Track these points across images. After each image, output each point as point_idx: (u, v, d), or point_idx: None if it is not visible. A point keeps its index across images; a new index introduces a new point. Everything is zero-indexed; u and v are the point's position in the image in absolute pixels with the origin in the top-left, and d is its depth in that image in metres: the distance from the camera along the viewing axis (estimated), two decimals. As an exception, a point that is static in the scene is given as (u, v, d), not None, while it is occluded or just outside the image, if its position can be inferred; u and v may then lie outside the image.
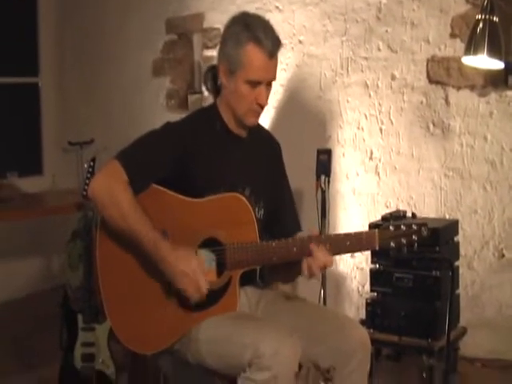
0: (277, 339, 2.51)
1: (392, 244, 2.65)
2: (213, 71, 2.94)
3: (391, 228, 2.66)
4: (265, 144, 3.06)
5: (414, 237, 2.64)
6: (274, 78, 2.82)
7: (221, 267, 2.74)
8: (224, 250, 2.72)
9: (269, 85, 2.81)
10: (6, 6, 6.18)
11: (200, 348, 2.67)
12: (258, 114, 2.86)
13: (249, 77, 2.74)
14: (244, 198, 2.75)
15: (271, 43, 2.73)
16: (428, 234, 2.64)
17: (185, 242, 2.71)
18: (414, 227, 2.64)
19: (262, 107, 2.82)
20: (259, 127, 3.05)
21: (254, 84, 2.76)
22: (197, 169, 2.78)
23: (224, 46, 2.81)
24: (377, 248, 2.67)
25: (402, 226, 2.65)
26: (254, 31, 2.71)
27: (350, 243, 2.68)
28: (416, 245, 2.64)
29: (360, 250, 2.81)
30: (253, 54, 2.72)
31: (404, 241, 2.64)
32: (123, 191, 2.64)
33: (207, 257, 2.75)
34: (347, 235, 2.70)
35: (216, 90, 2.94)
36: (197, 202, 2.75)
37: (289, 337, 2.56)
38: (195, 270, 2.62)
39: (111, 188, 2.65)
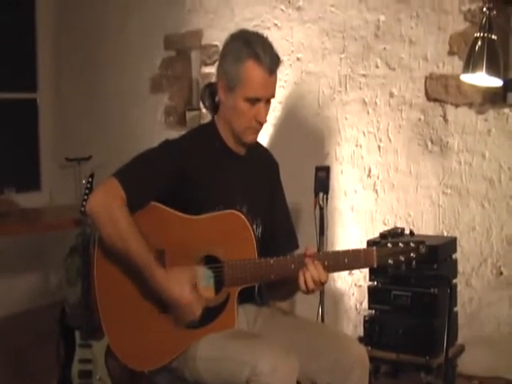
0: (274, 357, 2.50)
1: (390, 261, 2.64)
2: (210, 88, 2.94)
3: (389, 245, 2.65)
4: (263, 162, 3.05)
5: (412, 254, 2.63)
6: (273, 95, 2.82)
7: (219, 284, 2.73)
8: (222, 267, 2.71)
9: (268, 102, 2.81)
10: (4, 21, 6.19)
11: (198, 365, 2.66)
12: (256, 132, 2.85)
13: (248, 94, 2.74)
14: (242, 215, 2.75)
15: (270, 60, 2.73)
16: (426, 251, 2.64)
17: (183, 259, 2.71)
18: (412, 245, 2.64)
19: (261, 124, 2.82)
20: (258, 145, 3.05)
21: (253, 101, 2.75)
22: (195, 186, 2.78)
23: (223, 63, 2.80)
24: (375, 265, 2.66)
25: (400, 244, 2.64)
26: (253, 48, 2.71)
27: (348, 260, 2.67)
28: (414, 262, 2.63)
29: (358, 267, 2.80)
30: (252, 71, 2.72)
31: (402, 258, 2.63)
32: (121, 210, 2.64)
33: (205, 274, 2.75)
34: (345, 252, 2.69)
35: (214, 108, 2.93)
36: (195, 219, 2.74)
37: (286, 354, 2.55)
38: (188, 298, 2.62)
39: (109, 206, 2.65)
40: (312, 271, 2.63)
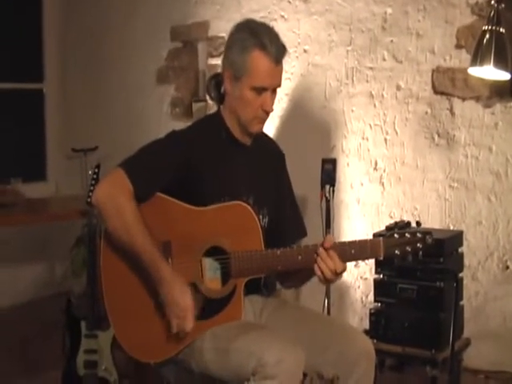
0: (281, 348, 2.51)
1: (397, 252, 2.63)
2: (216, 79, 2.94)
3: (396, 236, 2.65)
4: (269, 153, 3.05)
5: (418, 245, 2.62)
6: (279, 85, 2.82)
7: (225, 276, 2.73)
8: (228, 259, 2.71)
9: (274, 91, 2.81)
10: (11, 12, 6.19)
11: (204, 357, 2.67)
12: (263, 121, 2.85)
13: (254, 83, 2.74)
14: (248, 206, 2.75)
15: (277, 49, 2.73)
16: (432, 242, 2.64)
17: (189, 250, 2.71)
18: (419, 235, 2.63)
19: (267, 114, 2.82)
20: (264, 136, 3.05)
21: (260, 90, 2.75)
22: (201, 177, 2.78)
23: (229, 53, 2.81)
24: (382, 256, 2.65)
25: (407, 234, 2.64)
26: (259, 37, 2.72)
27: (355, 251, 2.66)
28: (421, 253, 2.63)
29: (365, 258, 2.81)
30: (258, 60, 2.72)
31: (409, 249, 2.62)
32: (127, 200, 2.64)
33: (212, 265, 2.75)
34: (352, 243, 2.68)
35: (220, 98, 2.93)
36: (201, 210, 2.74)
37: (293, 345, 2.55)
38: (187, 305, 2.62)
39: (115, 197, 2.65)
40: (326, 261, 2.62)
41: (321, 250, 2.63)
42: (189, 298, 2.62)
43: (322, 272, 2.63)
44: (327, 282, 2.68)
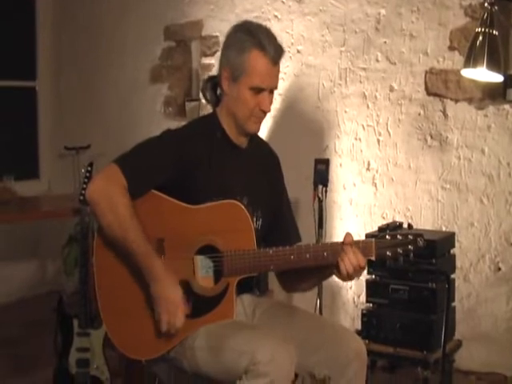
0: (273, 346, 2.51)
1: (388, 253, 2.65)
2: (212, 81, 2.94)
3: (388, 237, 2.66)
4: (264, 156, 3.05)
5: (410, 247, 2.64)
6: (276, 86, 2.83)
7: (218, 274, 2.74)
8: (221, 257, 2.71)
9: (271, 92, 2.82)
10: (4, 9, 6.19)
11: (196, 356, 2.67)
12: (259, 121, 2.86)
13: (252, 83, 2.75)
14: (242, 205, 2.75)
15: (275, 50, 2.75)
16: (424, 244, 2.66)
17: (182, 248, 2.71)
18: (410, 237, 2.66)
19: (264, 113, 2.83)
20: (259, 139, 3.05)
21: (258, 90, 2.76)
22: (195, 176, 2.77)
23: (227, 53, 2.81)
24: (373, 257, 2.67)
25: (399, 236, 2.66)
26: (258, 38, 2.73)
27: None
28: (412, 255, 2.65)
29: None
30: (257, 61, 2.73)
31: (400, 250, 2.64)
32: (121, 196, 2.64)
33: (204, 264, 2.75)
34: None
35: (215, 101, 2.93)
36: (194, 208, 2.74)
37: (285, 344, 2.55)
38: (178, 301, 2.62)
39: (109, 192, 2.64)
40: (351, 257, 2.63)
41: (345, 246, 2.64)
42: (179, 295, 2.62)
43: (346, 266, 2.63)
44: (349, 277, 2.68)
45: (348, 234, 2.70)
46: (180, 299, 2.62)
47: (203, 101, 5.34)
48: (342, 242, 2.67)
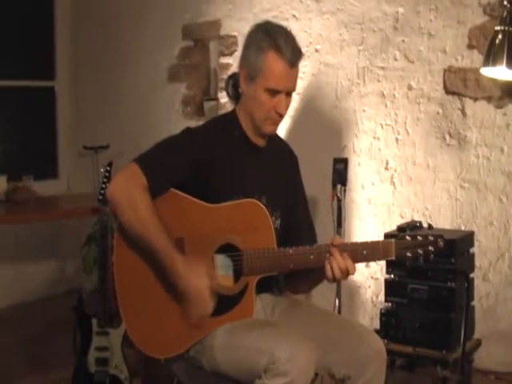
0: (292, 345, 2.51)
1: (408, 254, 2.64)
2: (234, 78, 2.94)
3: (408, 238, 2.66)
4: (283, 155, 3.05)
5: (430, 248, 2.63)
6: (293, 88, 2.82)
7: (237, 273, 2.74)
8: (241, 256, 2.71)
9: (289, 94, 2.80)
10: (23, 10, 6.22)
11: (215, 354, 2.67)
12: (276, 123, 2.85)
13: (268, 85, 2.74)
14: (261, 204, 2.75)
15: (292, 52, 2.73)
16: (444, 245, 2.64)
17: (201, 247, 2.71)
18: (431, 238, 2.64)
19: (280, 116, 2.81)
20: (278, 138, 3.05)
21: (274, 92, 2.75)
22: (214, 175, 2.78)
23: (245, 52, 2.81)
24: (394, 257, 2.66)
25: (419, 237, 2.65)
26: (275, 39, 2.72)
27: (367, 252, 2.67)
28: (432, 256, 2.64)
29: (376, 259, 2.80)
30: (273, 62, 2.72)
31: (420, 251, 2.63)
32: (141, 195, 2.65)
33: (224, 262, 2.75)
34: (364, 244, 2.69)
35: (236, 97, 2.94)
36: (214, 207, 2.75)
37: (304, 342, 2.55)
38: (205, 290, 2.62)
39: (130, 191, 2.65)
40: (339, 261, 2.63)
41: (333, 248, 2.64)
42: (206, 283, 2.61)
43: (332, 270, 2.63)
44: (335, 280, 2.68)
45: (336, 237, 2.72)
46: (207, 288, 2.61)
47: (221, 100, 5.43)
48: (331, 244, 2.67)
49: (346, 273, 2.64)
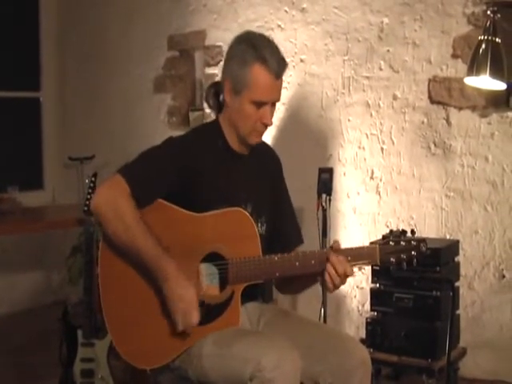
0: (278, 353, 2.50)
1: (392, 259, 2.66)
2: (215, 87, 2.93)
3: (391, 243, 2.67)
4: (266, 159, 3.05)
5: (413, 252, 2.66)
6: (278, 99, 2.81)
7: (223, 282, 2.73)
8: (226, 265, 2.71)
9: (273, 105, 2.81)
10: (8, 20, 6.21)
11: (202, 363, 2.66)
12: (261, 134, 2.85)
13: (254, 97, 2.73)
14: (246, 213, 2.75)
15: (278, 64, 2.72)
16: (427, 250, 2.67)
17: (187, 256, 2.70)
18: (413, 243, 2.67)
19: (266, 127, 2.82)
20: (260, 143, 3.05)
21: (259, 104, 2.75)
22: (198, 184, 2.77)
23: (229, 65, 2.79)
24: (378, 262, 2.67)
25: (402, 242, 2.68)
26: (260, 51, 2.70)
27: (352, 258, 2.68)
28: (415, 260, 2.66)
29: (362, 264, 2.81)
30: (259, 75, 2.71)
31: (404, 256, 2.66)
32: (127, 205, 2.64)
33: (210, 271, 2.75)
34: (349, 250, 2.71)
35: (218, 107, 2.93)
36: (199, 216, 2.74)
37: (290, 350, 2.55)
38: (193, 299, 2.61)
39: (115, 201, 2.64)
40: (337, 266, 2.64)
41: (332, 255, 2.65)
42: (193, 292, 2.61)
43: (330, 275, 2.64)
44: (335, 287, 2.68)
45: (337, 242, 2.72)
46: (194, 297, 2.61)
47: (207, 110, 5.44)
48: (331, 247, 2.69)
49: (344, 275, 2.65)
